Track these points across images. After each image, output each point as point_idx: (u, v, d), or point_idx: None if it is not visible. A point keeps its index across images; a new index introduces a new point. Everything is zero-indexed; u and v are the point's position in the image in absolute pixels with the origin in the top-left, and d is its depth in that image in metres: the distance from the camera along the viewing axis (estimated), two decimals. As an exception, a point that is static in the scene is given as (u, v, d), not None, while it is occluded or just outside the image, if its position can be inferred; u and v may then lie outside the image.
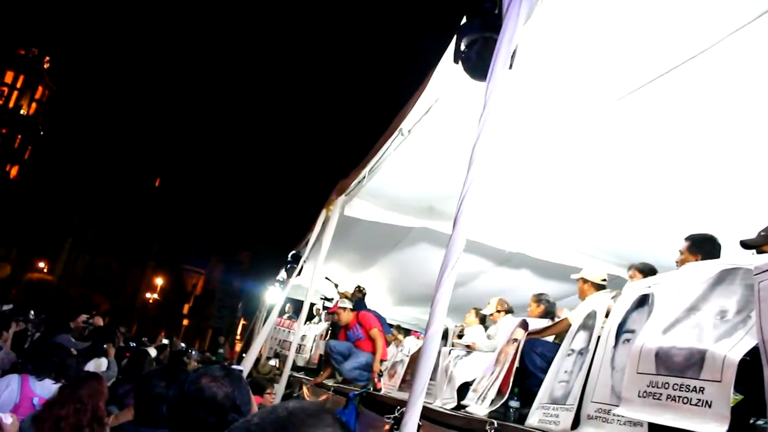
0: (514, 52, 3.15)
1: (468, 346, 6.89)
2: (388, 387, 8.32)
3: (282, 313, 13.35)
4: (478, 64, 3.48)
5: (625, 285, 4.65)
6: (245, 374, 7.53)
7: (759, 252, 4.18)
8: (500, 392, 5.00)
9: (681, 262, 4.74)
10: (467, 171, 3.05)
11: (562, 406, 4.17)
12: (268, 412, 1.07)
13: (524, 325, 5.56)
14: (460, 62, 3.63)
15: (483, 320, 7.97)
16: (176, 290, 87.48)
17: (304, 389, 9.43)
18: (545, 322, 5.92)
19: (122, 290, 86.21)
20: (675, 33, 3.53)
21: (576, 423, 3.89)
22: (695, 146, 4.76)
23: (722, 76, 3.81)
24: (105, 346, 7.11)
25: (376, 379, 8.23)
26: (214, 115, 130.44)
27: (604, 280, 5.71)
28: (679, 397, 2.97)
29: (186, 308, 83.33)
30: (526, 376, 5.08)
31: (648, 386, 3.20)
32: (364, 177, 6.67)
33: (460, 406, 5.66)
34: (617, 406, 3.45)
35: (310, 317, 12.74)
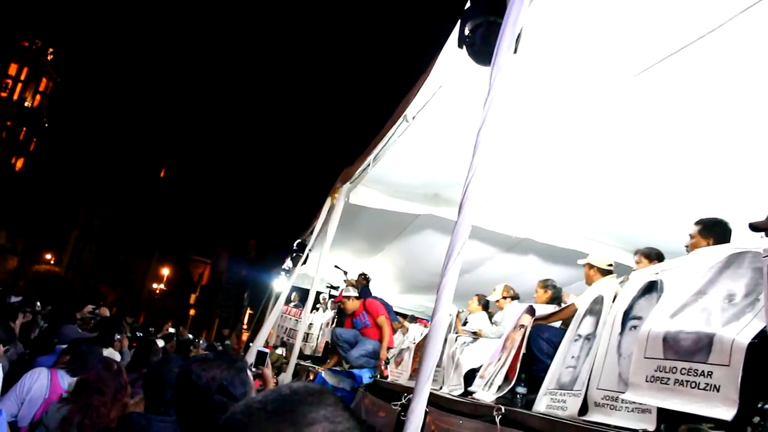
0: (518, 36, 3.12)
1: (474, 333, 6.88)
2: (394, 374, 8.33)
3: (288, 301, 13.37)
4: (482, 49, 3.45)
5: (632, 271, 4.63)
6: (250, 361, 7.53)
7: (768, 235, 4.15)
8: (507, 378, 4.99)
9: (691, 246, 4.71)
10: (472, 156, 3.02)
11: (570, 391, 4.16)
12: (272, 391, 1.10)
13: (531, 311, 5.54)
14: (464, 47, 3.60)
15: (486, 306, 7.96)
16: (182, 280, 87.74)
17: (311, 376, 9.44)
18: (552, 308, 5.91)
19: (129, 281, 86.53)
20: (683, 11, 3.49)
21: (584, 409, 3.88)
22: (704, 129, 4.71)
23: (732, 56, 3.75)
24: (118, 337, 7.13)
25: (382, 366, 8.24)
26: (218, 105, 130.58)
27: (611, 265, 5.68)
28: (687, 381, 2.95)
29: (192, 298, 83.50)
30: (533, 361, 5.07)
31: (656, 371, 3.18)
32: (368, 164, 6.64)
33: (467, 393, 5.67)
34: (624, 393, 3.44)
35: (316, 306, 12.75)
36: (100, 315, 7.85)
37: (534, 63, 4.08)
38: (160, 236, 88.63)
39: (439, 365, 7.08)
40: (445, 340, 7.02)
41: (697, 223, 4.93)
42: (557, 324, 5.51)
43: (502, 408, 3.60)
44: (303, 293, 13.63)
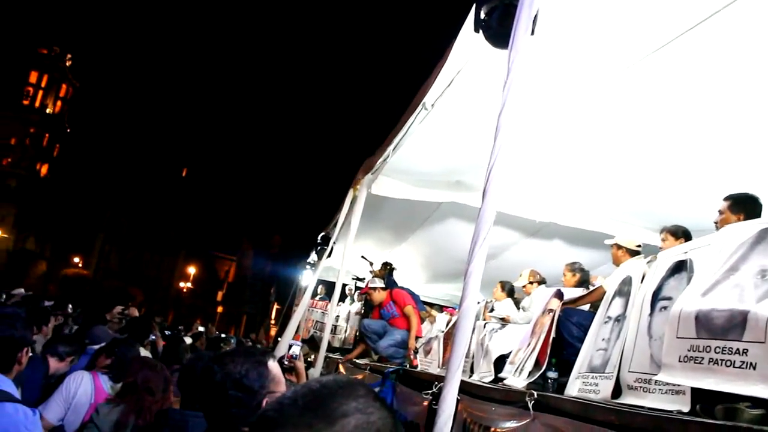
0: (535, 17, 3.09)
1: (503, 319, 6.85)
2: (423, 363, 8.32)
3: (314, 294, 13.41)
4: (499, 32, 3.42)
5: (659, 250, 4.57)
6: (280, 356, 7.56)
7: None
8: (538, 363, 4.96)
9: (721, 223, 4.64)
10: (494, 141, 3.00)
11: (602, 374, 4.12)
12: (302, 386, 1.09)
13: (559, 294, 5.50)
14: (480, 31, 3.57)
15: (511, 292, 7.91)
16: (209, 278, 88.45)
17: (341, 369, 9.48)
18: (580, 291, 5.86)
19: (156, 281, 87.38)
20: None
21: (617, 391, 3.84)
22: (729, 103, 4.62)
23: (758, 26, 3.67)
24: (153, 337, 7.19)
25: (411, 356, 8.24)
26: (237, 101, 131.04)
27: (639, 246, 5.61)
28: (722, 360, 2.90)
29: (220, 295, 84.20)
30: (563, 346, 5.03)
31: (689, 350, 3.14)
32: (388, 154, 6.61)
33: (497, 379, 5.64)
34: (657, 375, 3.39)
35: (342, 297, 12.78)
36: (130, 315, 7.93)
37: (552, 43, 4.03)
38: (184, 235, 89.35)
39: (468, 353, 7.07)
40: (474, 327, 7.01)
41: (726, 198, 4.86)
42: (586, 307, 5.46)
43: (535, 393, 3.57)
44: (329, 286, 13.65)
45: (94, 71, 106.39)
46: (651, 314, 3.84)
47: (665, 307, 3.72)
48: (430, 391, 4.71)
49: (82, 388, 4.70)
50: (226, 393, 2.19)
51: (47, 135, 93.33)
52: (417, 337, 8.52)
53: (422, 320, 9.02)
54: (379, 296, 9.05)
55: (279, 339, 20.45)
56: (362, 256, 11.31)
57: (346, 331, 12.26)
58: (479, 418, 4.32)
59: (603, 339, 4.38)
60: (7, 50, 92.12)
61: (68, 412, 4.61)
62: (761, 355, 2.71)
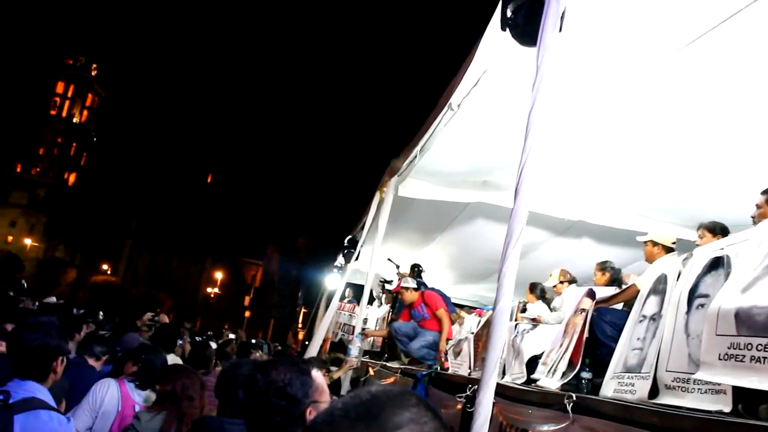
0: (562, 14, 3.05)
1: (534, 320, 6.78)
2: (453, 365, 8.27)
3: (342, 297, 13.40)
4: (526, 30, 3.38)
5: (695, 247, 4.49)
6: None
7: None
8: (571, 364, 4.89)
9: (758, 217, 4.55)
10: (524, 140, 2.97)
11: (638, 374, 4.05)
12: (351, 396, 1.07)
13: (591, 294, 5.42)
14: (507, 29, 3.53)
15: (542, 294, 7.83)
16: (236, 283, 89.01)
17: (371, 371, 9.45)
18: (612, 290, 5.79)
19: (184, 286, 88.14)
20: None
21: (654, 391, 3.78)
22: (762, 95, 4.53)
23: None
24: (180, 342, 7.23)
25: (443, 359, 8.19)
26: (261, 106, 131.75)
27: (674, 242, 5.52)
28: (765, 357, 2.84)
29: (247, 300, 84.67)
30: (596, 345, 4.97)
31: (729, 348, 3.07)
32: (415, 156, 6.59)
33: (530, 381, 5.59)
34: (695, 374, 3.33)
35: (370, 300, 12.76)
36: (160, 322, 7.98)
37: (579, 39, 3.97)
38: (211, 241, 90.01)
39: (485, 353, 7.00)
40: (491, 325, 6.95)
41: (764, 192, 4.76)
42: (619, 306, 5.38)
43: (573, 395, 3.51)
44: (356, 289, 13.65)
45: (118, 80, 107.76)
46: (688, 312, 3.76)
47: (702, 305, 3.65)
48: (464, 394, 4.66)
49: (109, 396, 4.68)
50: (269, 401, 2.20)
51: (74, 144, 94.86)
52: (448, 339, 8.47)
53: (452, 322, 8.96)
54: (410, 296, 8.99)
55: (307, 342, 20.56)
56: (389, 259, 11.28)
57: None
58: (515, 421, 4.26)
59: (638, 338, 4.31)
60: (35, 61, 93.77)
61: (96, 420, 4.61)
62: (806, 353, 2.65)
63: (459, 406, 4.98)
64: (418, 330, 8.78)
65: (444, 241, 10.65)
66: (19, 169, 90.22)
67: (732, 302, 3.16)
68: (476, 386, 4.61)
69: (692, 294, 3.82)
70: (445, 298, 8.97)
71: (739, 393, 3.05)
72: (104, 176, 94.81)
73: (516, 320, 7.05)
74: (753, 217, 4.70)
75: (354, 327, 13.74)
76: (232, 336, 9.29)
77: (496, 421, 4.38)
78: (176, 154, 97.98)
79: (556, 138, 5.80)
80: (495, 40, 4.15)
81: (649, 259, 5.43)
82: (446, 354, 8.24)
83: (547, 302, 7.56)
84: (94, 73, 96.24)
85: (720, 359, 3.12)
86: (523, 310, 7.54)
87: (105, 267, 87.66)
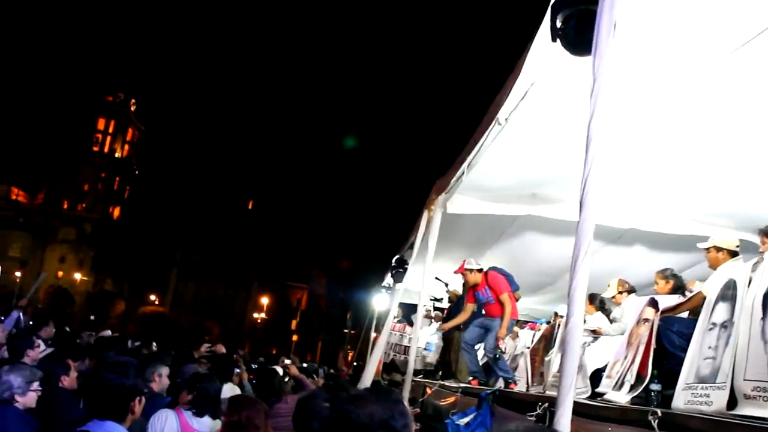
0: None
1: (594, 331, 6.65)
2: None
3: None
4: (577, 39, 3.35)
5: (759, 252, 4.35)
6: (368, 382, 7.53)
7: None
8: (639, 376, 4.77)
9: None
10: (586, 150, 2.91)
11: (712, 384, 3.92)
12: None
13: (653, 303, 5.30)
14: (558, 40, 3.49)
15: (601, 305, 7.67)
16: (282, 307, 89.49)
17: (428, 391, 9.36)
18: (676, 298, 5.64)
19: (230, 313, 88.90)
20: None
21: (732, 402, 3.64)
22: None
23: None
24: (237, 370, 7.27)
25: (501, 345, 8.07)
26: (300, 128, 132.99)
27: (737, 246, 5.37)
28: None
29: (294, 324, 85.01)
30: (664, 356, 4.83)
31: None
32: (463, 172, 6.54)
33: (595, 395, 5.46)
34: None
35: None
36: (217, 352, 8.03)
37: (628, 44, 3.90)
38: (255, 267, 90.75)
39: (560, 370, 6.87)
40: (564, 341, 6.82)
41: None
42: (684, 314, 5.24)
43: (659, 411, 3.39)
44: (405, 308, 13.58)
45: (157, 113, 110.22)
46: (764, 318, 3.63)
47: (779, 310, 3.52)
48: (534, 413, 4.56)
49: (168, 426, 4.72)
50: None
51: (117, 178, 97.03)
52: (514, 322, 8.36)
53: (516, 300, 8.82)
54: (474, 278, 8.89)
55: (356, 364, 20.53)
56: (436, 278, 11.21)
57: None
58: (595, 440, 4.14)
59: (709, 347, 4.18)
60: (76, 101, 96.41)
61: None
62: None
63: (528, 425, 4.88)
64: (486, 324, 8.62)
65: (493, 256, 10.52)
66: (66, 206, 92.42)
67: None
68: (546, 404, 4.54)
69: (766, 299, 3.69)
70: (509, 278, 8.84)
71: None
72: (147, 208, 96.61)
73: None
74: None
75: (407, 347, 13.71)
76: (288, 361, 9.30)
77: (573, 441, 4.28)
78: (216, 183, 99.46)
79: (606, 146, 5.69)
80: (542, 51, 4.10)
81: (714, 265, 5.29)
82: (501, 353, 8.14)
83: (606, 313, 7.41)
84: (133, 108, 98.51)
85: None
86: (583, 322, 7.40)
87: (152, 297, 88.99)
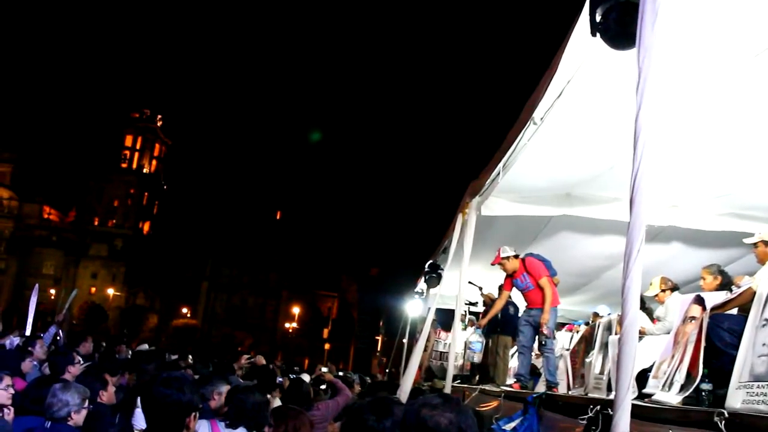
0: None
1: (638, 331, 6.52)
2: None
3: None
4: (619, 32, 3.27)
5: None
6: (407, 389, 7.48)
7: None
8: (690, 376, 4.65)
9: None
10: (634, 146, 2.83)
11: (770, 382, 3.80)
12: None
13: (699, 300, 5.16)
14: (598, 34, 3.42)
15: (643, 304, 7.54)
16: (313, 316, 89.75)
17: (468, 396, 9.27)
18: (724, 295, 5.50)
19: (261, 323, 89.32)
20: None
21: (793, 400, 3.53)
22: None
23: None
24: (280, 380, 7.26)
25: (544, 330, 7.97)
26: (326, 136, 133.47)
27: (788, 239, 5.23)
28: None
29: (325, 333, 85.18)
30: (714, 354, 4.70)
31: None
32: (498, 173, 6.47)
33: (642, 395, 5.34)
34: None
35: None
36: (257, 363, 8.04)
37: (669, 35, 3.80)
38: (285, 276, 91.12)
39: (602, 371, 6.77)
40: (606, 343, 6.72)
41: None
42: (734, 311, 5.11)
43: (725, 412, 3.28)
44: (439, 314, 13.49)
45: (183, 128, 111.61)
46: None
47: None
48: (586, 416, 4.47)
49: None
50: None
51: (146, 194, 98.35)
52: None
53: (555, 285, 8.75)
54: (512, 265, 8.80)
55: (389, 370, 20.48)
56: (470, 282, 11.12)
57: (464, 357, 12.09)
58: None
59: (764, 344, 4.05)
60: (104, 118, 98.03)
61: None
62: None
63: (579, 429, 4.77)
64: (534, 315, 8.52)
65: (527, 258, 10.43)
66: (96, 223, 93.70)
67: None
68: (598, 406, 4.45)
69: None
70: (546, 263, 8.73)
71: None
72: (176, 222, 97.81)
73: (616, 333, 6.80)
74: None
75: (442, 352, 13.64)
76: (324, 369, 9.29)
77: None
78: (243, 194, 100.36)
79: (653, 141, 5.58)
80: (578, 47, 4.03)
81: (762, 260, 5.17)
82: (546, 339, 8.04)
83: (647, 312, 7.28)
84: (159, 123, 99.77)
85: None
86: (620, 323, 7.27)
87: (184, 310, 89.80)
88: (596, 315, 9.94)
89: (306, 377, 9.46)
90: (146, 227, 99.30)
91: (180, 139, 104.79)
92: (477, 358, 11.97)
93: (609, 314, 8.82)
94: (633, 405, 4.49)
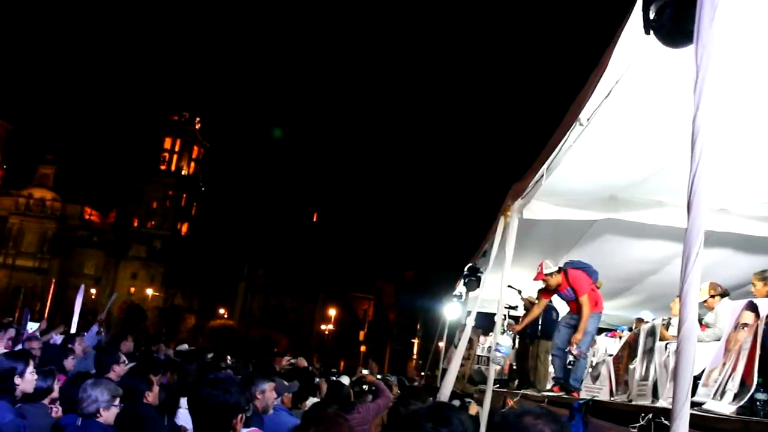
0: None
1: (686, 338, 6.36)
2: (591, 390, 7.93)
3: (462, 326, 13.20)
4: (674, 30, 3.18)
5: None
6: (447, 393, 7.42)
7: None
8: (744, 384, 4.51)
9: None
10: (692, 147, 2.73)
11: (830, 392, 3.67)
12: None
13: (752, 307, 5.01)
14: (651, 32, 3.33)
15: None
16: (349, 318, 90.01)
17: (509, 402, 9.15)
18: (775, 302, 5.34)
19: (298, 325, 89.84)
20: None
21: None
22: None
23: None
24: (317, 381, 7.25)
25: (573, 350, 7.92)
26: (363, 138, 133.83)
27: None
28: None
29: (361, 335, 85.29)
30: (768, 363, 4.55)
31: None
32: (542, 175, 6.35)
33: (692, 404, 5.19)
34: None
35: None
36: (298, 365, 8.04)
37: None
38: (321, 279, 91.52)
39: (645, 378, 6.62)
40: (652, 349, 6.56)
41: None
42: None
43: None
44: (478, 318, 13.38)
45: (221, 130, 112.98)
46: None
47: None
48: (637, 424, 4.35)
49: None
50: None
51: (184, 195, 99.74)
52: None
53: (597, 287, 8.83)
54: (555, 280, 8.79)
55: (424, 372, 20.39)
56: (509, 286, 11.00)
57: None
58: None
59: (822, 353, 3.92)
60: (144, 121, 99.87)
61: None
62: None
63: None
64: (576, 319, 8.45)
65: (569, 263, 10.28)
66: (136, 224, 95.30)
67: None
68: (650, 414, 4.33)
69: None
70: (587, 268, 8.81)
71: None
72: (214, 224, 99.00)
73: (661, 338, 6.65)
74: None
75: (479, 356, 13.52)
76: (365, 371, 9.26)
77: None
78: (280, 196, 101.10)
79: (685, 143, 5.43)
80: (628, 46, 3.93)
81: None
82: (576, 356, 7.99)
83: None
84: (197, 126, 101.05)
85: None
86: (667, 326, 7.12)
87: (221, 311, 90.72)
88: (640, 320, 9.77)
89: (345, 379, 9.44)
90: (184, 228, 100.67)
91: (218, 142, 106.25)
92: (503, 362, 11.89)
93: (653, 319, 8.66)
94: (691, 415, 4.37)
